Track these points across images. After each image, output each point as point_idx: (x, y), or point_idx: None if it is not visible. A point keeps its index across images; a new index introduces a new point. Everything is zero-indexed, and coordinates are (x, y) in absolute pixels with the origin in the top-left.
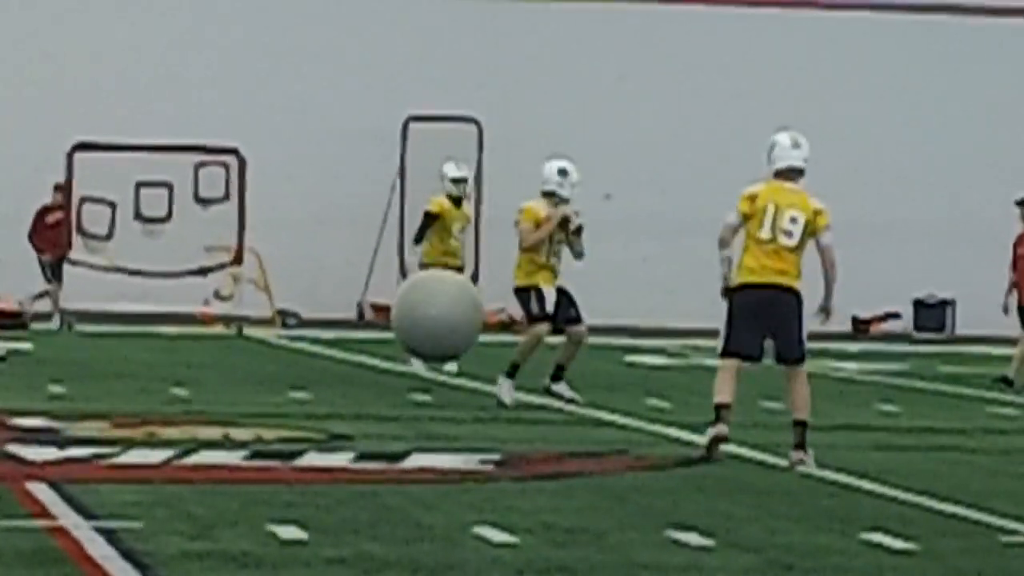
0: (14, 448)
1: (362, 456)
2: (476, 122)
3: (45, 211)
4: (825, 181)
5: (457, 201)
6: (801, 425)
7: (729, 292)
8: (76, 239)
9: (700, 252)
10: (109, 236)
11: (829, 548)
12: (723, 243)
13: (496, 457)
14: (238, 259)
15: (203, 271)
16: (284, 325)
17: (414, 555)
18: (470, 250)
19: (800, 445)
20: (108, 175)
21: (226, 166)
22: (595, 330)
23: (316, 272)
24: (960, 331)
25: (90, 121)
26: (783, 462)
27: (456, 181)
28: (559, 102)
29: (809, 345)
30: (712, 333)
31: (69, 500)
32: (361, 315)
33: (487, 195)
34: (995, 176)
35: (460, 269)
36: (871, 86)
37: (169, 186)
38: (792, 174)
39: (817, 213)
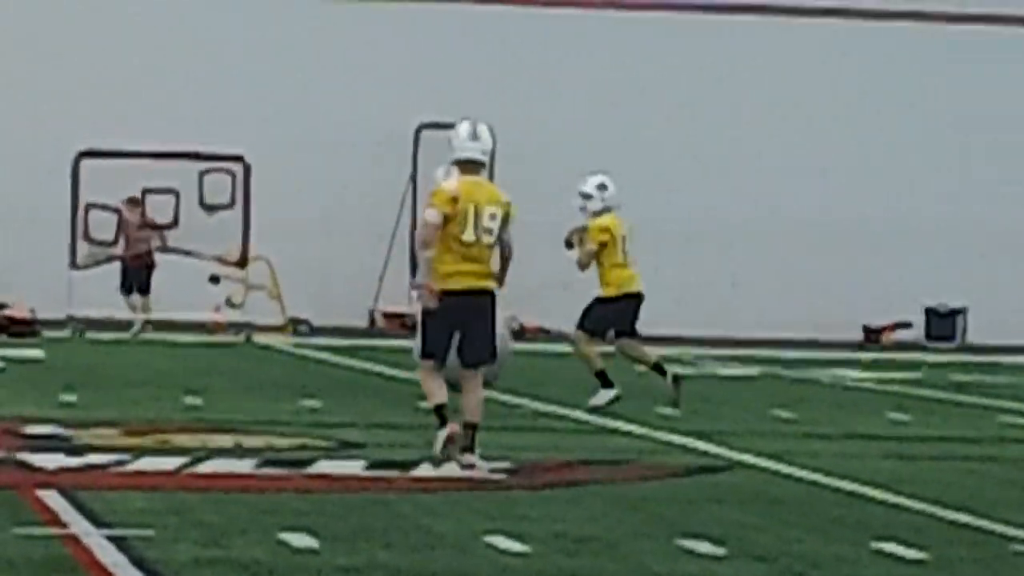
0: (25, 456)
1: (373, 464)
2: (488, 129)
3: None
4: (838, 189)
5: None
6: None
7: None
8: (81, 245)
9: (709, 260)
10: (115, 242)
11: (840, 557)
12: (427, 244)
13: (507, 465)
14: (242, 263)
15: (214, 279)
16: (296, 333)
17: (426, 563)
18: None
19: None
20: (114, 182)
21: (231, 173)
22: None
23: (328, 280)
24: (972, 340)
25: (97, 128)
26: (795, 471)
27: None
28: (571, 110)
29: (820, 354)
30: (719, 342)
31: (80, 508)
32: (373, 323)
33: None
34: (1007, 185)
35: None
36: (883, 92)
37: (175, 192)
38: (471, 166)
39: (509, 205)
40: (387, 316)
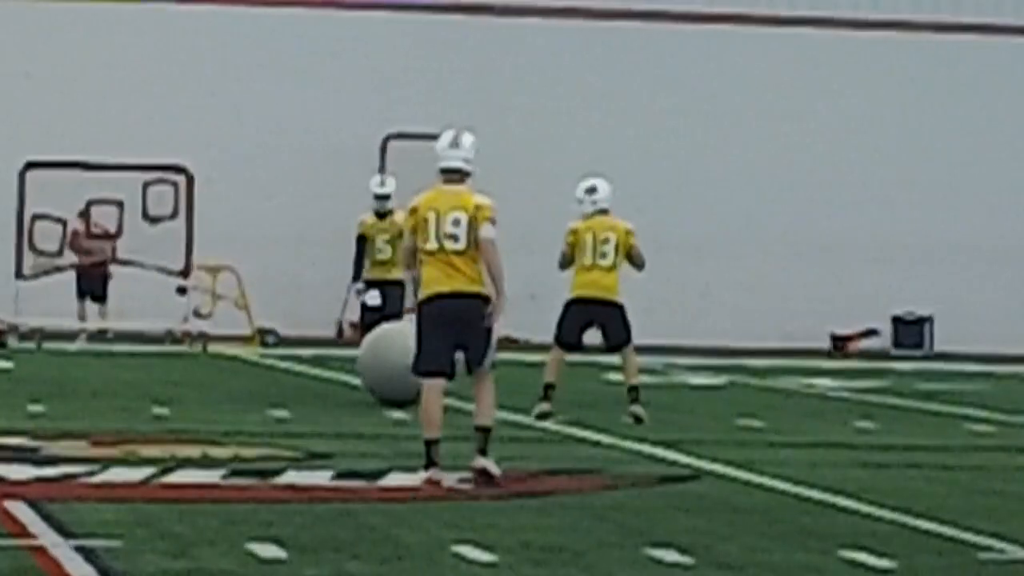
0: None
1: (341, 474)
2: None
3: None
4: (807, 199)
5: (381, 215)
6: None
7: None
8: (27, 255)
9: (679, 269)
10: (60, 253)
11: (808, 566)
12: (407, 264)
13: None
14: (185, 273)
15: (181, 290)
16: (263, 343)
17: (393, 573)
18: None
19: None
20: (59, 193)
21: (174, 184)
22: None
23: (295, 290)
24: (938, 348)
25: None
26: (762, 480)
27: (379, 197)
28: (542, 119)
29: (787, 362)
30: (689, 351)
31: (48, 519)
32: (340, 333)
33: None
34: (975, 195)
35: (394, 282)
36: (851, 105)
37: (119, 204)
38: (452, 175)
39: (478, 208)
40: (354, 326)
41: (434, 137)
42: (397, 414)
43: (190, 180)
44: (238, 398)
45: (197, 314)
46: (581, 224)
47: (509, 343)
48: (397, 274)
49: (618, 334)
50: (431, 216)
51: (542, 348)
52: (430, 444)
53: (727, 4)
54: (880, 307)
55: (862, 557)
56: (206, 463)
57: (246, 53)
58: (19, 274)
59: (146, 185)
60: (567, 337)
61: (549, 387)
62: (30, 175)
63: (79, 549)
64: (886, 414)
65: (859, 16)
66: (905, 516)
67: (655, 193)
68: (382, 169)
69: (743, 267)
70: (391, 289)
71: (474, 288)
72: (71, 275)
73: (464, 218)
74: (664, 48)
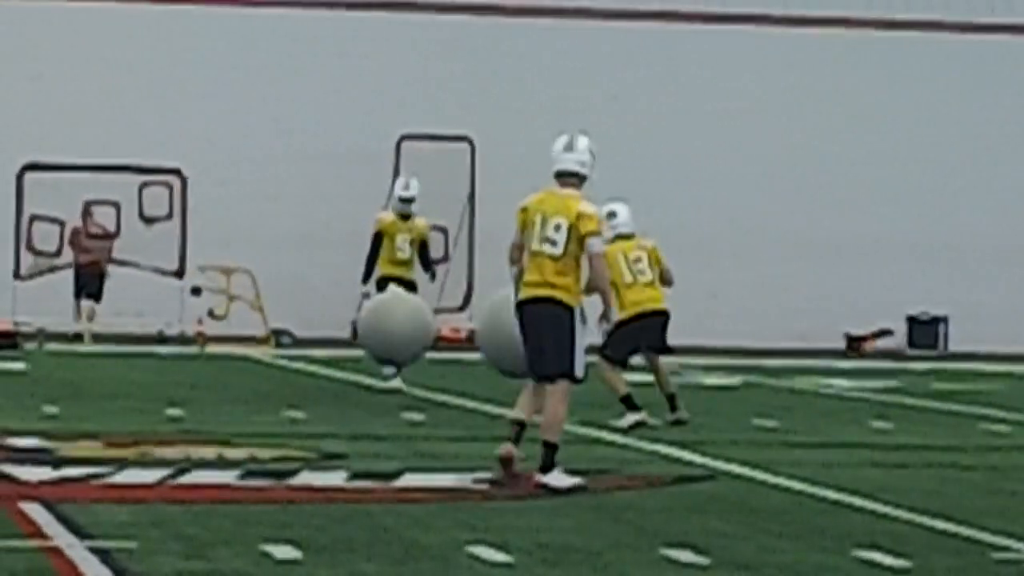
0: (8, 468)
1: (356, 475)
2: (469, 141)
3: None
4: (821, 199)
5: (404, 217)
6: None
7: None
8: (25, 256)
9: (688, 271)
10: (58, 253)
11: (823, 566)
12: (512, 259)
13: (490, 476)
14: (179, 274)
15: (196, 290)
16: (278, 344)
17: (408, 574)
18: (463, 269)
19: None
20: (56, 194)
21: (169, 186)
22: (589, 349)
23: (309, 291)
24: (953, 348)
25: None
26: (777, 480)
27: (404, 200)
28: (552, 121)
29: (802, 362)
30: (700, 351)
31: (63, 520)
32: (355, 334)
33: (480, 213)
34: (989, 194)
35: (410, 283)
36: (863, 105)
37: (116, 205)
38: (566, 177)
39: (580, 217)
40: None
41: (447, 138)
42: (412, 415)
43: (184, 182)
44: (253, 399)
45: (212, 315)
46: (609, 246)
47: None
48: (411, 275)
49: (660, 339)
50: (538, 219)
51: None
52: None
53: (744, 4)
54: (895, 307)
55: (877, 557)
56: (221, 464)
57: (256, 54)
58: (17, 275)
59: (142, 187)
60: (618, 355)
61: (627, 398)
62: (28, 176)
63: (94, 550)
64: (901, 414)
65: (885, 16)
66: (921, 516)
67: (665, 194)
68: (399, 170)
69: (757, 267)
70: (409, 290)
71: (556, 295)
72: (67, 275)
73: (565, 224)
74: (676, 48)
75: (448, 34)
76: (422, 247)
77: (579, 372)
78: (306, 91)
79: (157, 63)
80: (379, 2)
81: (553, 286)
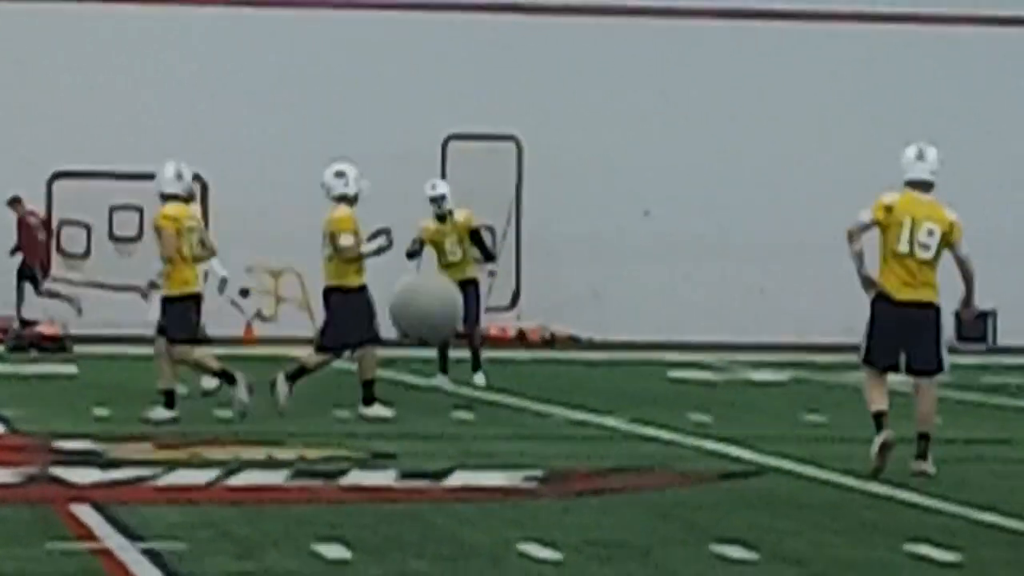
0: (58, 471)
1: (405, 475)
2: (516, 140)
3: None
4: (869, 197)
5: (441, 218)
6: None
7: (872, 287)
8: (56, 258)
9: (739, 271)
10: (86, 255)
11: (873, 560)
12: (851, 238)
13: (539, 474)
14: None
15: (244, 292)
16: None
17: (458, 573)
18: (511, 268)
19: (922, 455)
20: (84, 200)
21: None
22: (637, 346)
23: None
24: (1001, 341)
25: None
26: (826, 475)
27: (434, 200)
28: (599, 119)
29: (850, 358)
30: (749, 347)
31: (114, 522)
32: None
33: (526, 213)
34: None
35: (470, 281)
36: (912, 101)
37: (139, 209)
38: (919, 186)
39: (953, 225)
40: None
41: (493, 138)
42: (461, 414)
43: (204, 187)
44: (302, 399)
45: (260, 316)
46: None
47: (572, 342)
48: (471, 272)
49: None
50: (907, 220)
51: (605, 347)
52: (878, 415)
53: (799, 1)
54: (943, 301)
55: (927, 551)
56: (270, 465)
57: (300, 57)
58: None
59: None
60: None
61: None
62: (57, 184)
63: (145, 552)
64: (950, 408)
65: (894, 10)
66: (970, 510)
67: (716, 194)
68: (444, 169)
69: (805, 262)
70: (468, 289)
71: (929, 297)
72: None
73: (938, 231)
74: (734, 46)
75: (494, 33)
76: (474, 237)
77: (947, 366)
78: (352, 92)
79: (191, 67)
80: (424, 3)
81: (928, 287)
